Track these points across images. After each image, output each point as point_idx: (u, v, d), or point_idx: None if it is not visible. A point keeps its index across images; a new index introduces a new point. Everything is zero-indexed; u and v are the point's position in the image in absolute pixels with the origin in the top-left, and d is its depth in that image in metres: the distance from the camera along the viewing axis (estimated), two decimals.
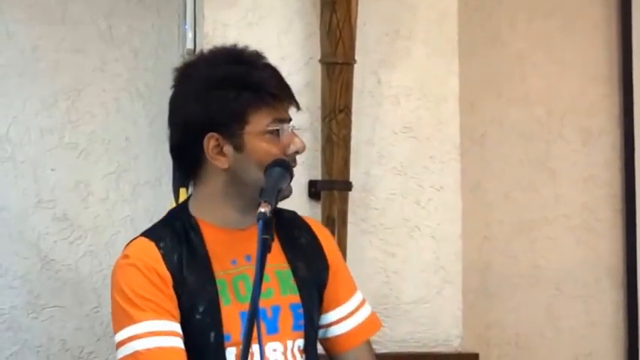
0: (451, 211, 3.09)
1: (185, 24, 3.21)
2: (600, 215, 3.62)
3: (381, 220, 3.07)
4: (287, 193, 2.08)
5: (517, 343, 3.54)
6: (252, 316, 1.86)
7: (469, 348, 3.17)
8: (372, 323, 2.30)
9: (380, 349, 2.96)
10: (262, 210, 1.92)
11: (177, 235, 2.12)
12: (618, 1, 3.64)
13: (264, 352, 2.06)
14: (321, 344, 2.27)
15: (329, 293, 2.23)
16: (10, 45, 3.37)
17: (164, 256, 2.08)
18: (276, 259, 2.13)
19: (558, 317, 3.58)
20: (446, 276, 3.08)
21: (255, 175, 2.08)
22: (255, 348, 2.01)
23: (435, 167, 3.10)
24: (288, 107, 2.14)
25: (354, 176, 3.00)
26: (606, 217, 3.62)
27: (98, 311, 3.32)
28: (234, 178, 2.11)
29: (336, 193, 2.95)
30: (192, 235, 2.12)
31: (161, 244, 2.10)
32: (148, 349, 2.03)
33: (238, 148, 2.10)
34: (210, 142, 2.11)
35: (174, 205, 3.13)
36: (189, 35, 3.18)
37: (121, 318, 2.08)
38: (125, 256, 2.11)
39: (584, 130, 3.63)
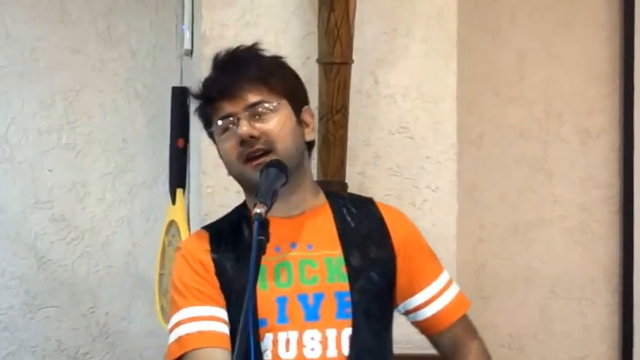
0: (447, 212, 3.08)
1: (183, 24, 3.21)
2: (598, 216, 3.59)
3: None
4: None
5: (511, 345, 3.53)
6: (248, 312, 1.88)
7: None
8: (461, 303, 2.29)
9: None
10: (258, 211, 1.95)
11: (231, 224, 2.19)
12: None
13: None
14: (416, 327, 2.29)
15: (408, 278, 2.22)
16: (9, 45, 3.39)
17: (211, 246, 2.16)
18: (329, 246, 2.16)
19: (553, 319, 3.55)
20: None
21: (232, 173, 2.18)
22: (292, 335, 2.09)
23: (431, 168, 3.09)
24: (238, 98, 2.15)
25: (350, 176, 2.99)
26: (604, 219, 3.59)
27: (94, 312, 3.33)
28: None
29: None
30: (243, 224, 2.17)
31: (213, 234, 2.18)
32: (190, 334, 2.10)
33: (218, 150, 2.22)
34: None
35: (171, 206, 3.15)
36: (187, 35, 3.18)
37: (171, 308, 2.16)
38: (178, 249, 2.25)
39: (583, 130, 3.61)
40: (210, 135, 2.22)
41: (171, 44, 3.40)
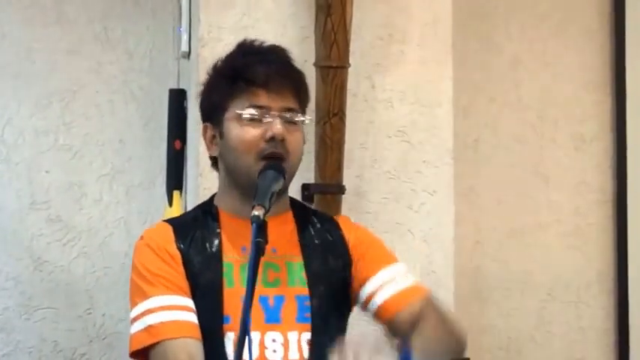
0: (444, 215, 3.10)
1: (180, 26, 3.22)
2: (592, 221, 3.62)
3: (374, 224, 3.07)
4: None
5: (508, 347, 3.55)
6: (246, 314, 1.89)
7: None
8: (418, 288, 2.23)
9: None
10: (256, 213, 1.96)
11: (196, 219, 2.20)
12: (612, 7, 3.66)
13: (252, 342, 2.07)
14: (375, 320, 2.21)
15: (357, 274, 2.21)
16: (5, 46, 3.37)
17: (176, 237, 2.16)
18: (291, 250, 2.18)
19: (549, 322, 3.58)
20: (438, 280, 3.08)
21: (237, 162, 2.15)
22: (254, 335, 2.08)
23: (428, 171, 3.11)
24: (278, 97, 2.15)
25: (348, 180, 3.00)
26: (598, 223, 3.62)
27: (90, 313, 3.32)
28: (226, 165, 2.20)
29: (329, 196, 2.96)
30: (210, 221, 2.19)
31: (177, 227, 2.18)
32: (161, 323, 2.07)
33: (221, 134, 2.18)
34: (206, 131, 2.22)
35: (168, 207, 3.15)
36: (184, 38, 3.19)
37: (136, 295, 2.13)
38: (141, 238, 2.20)
39: (577, 135, 3.64)
40: (215, 105, 2.18)
41: (169, 46, 3.39)
